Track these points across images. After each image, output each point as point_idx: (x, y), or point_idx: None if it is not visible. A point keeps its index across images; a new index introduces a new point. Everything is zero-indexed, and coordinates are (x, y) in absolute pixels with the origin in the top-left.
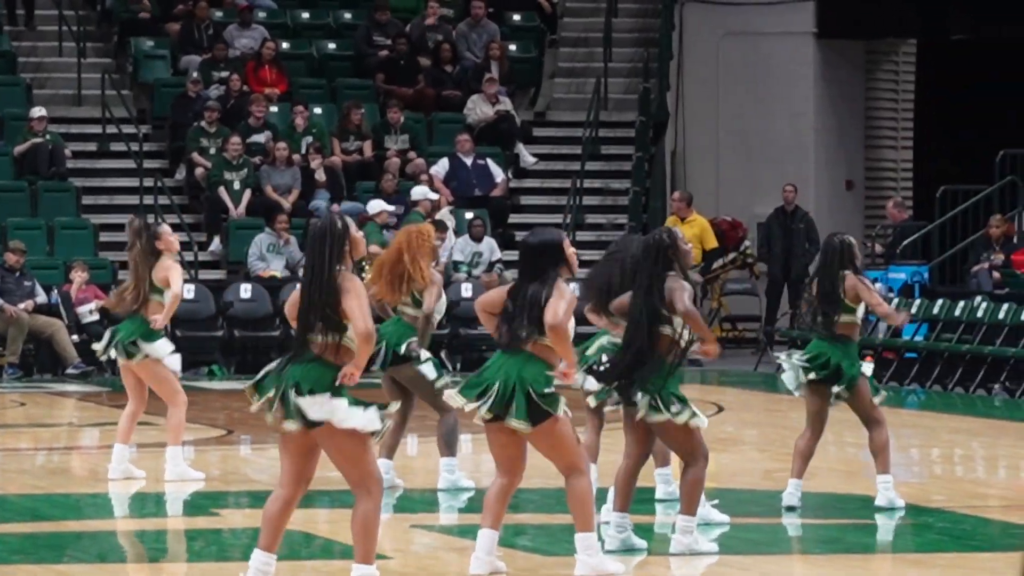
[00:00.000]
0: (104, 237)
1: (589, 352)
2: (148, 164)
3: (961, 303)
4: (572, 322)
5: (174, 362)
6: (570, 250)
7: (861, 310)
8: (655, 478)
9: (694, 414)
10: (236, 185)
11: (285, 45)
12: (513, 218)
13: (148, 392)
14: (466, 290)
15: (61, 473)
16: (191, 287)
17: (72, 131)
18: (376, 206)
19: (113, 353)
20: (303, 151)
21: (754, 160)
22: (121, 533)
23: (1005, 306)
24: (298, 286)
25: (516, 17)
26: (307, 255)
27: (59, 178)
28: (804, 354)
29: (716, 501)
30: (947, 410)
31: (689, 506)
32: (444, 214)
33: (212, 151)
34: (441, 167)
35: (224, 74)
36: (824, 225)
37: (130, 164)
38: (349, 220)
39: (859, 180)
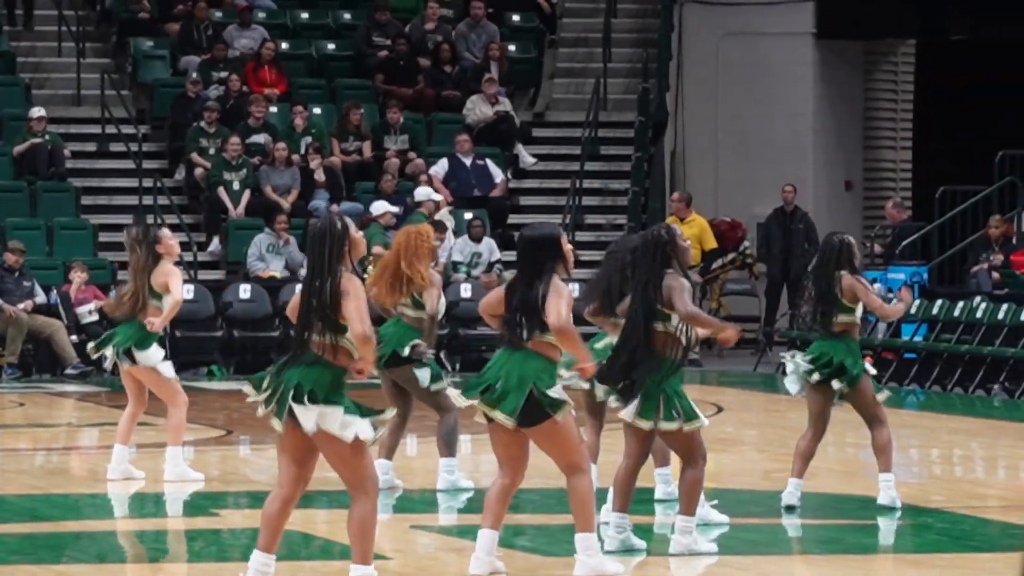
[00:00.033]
0: (103, 237)
1: (598, 347)
2: (147, 164)
3: (960, 303)
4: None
5: (166, 369)
6: (567, 247)
7: (860, 309)
8: (655, 478)
9: (690, 419)
10: (235, 185)
11: (284, 45)
12: (512, 218)
13: (148, 394)
14: (465, 290)
15: (60, 473)
16: (190, 287)
17: (71, 131)
18: (380, 207)
19: (109, 352)
20: (302, 151)
21: (753, 160)
22: (120, 533)
23: (1004, 306)
24: (298, 287)
25: (515, 17)
26: (308, 256)
27: (58, 178)
28: (807, 355)
29: (715, 501)
30: (946, 410)
31: (688, 506)
32: (443, 214)
33: (211, 151)
34: (440, 167)
35: (223, 74)
36: (823, 225)
37: (129, 164)
38: (349, 220)
39: (858, 180)
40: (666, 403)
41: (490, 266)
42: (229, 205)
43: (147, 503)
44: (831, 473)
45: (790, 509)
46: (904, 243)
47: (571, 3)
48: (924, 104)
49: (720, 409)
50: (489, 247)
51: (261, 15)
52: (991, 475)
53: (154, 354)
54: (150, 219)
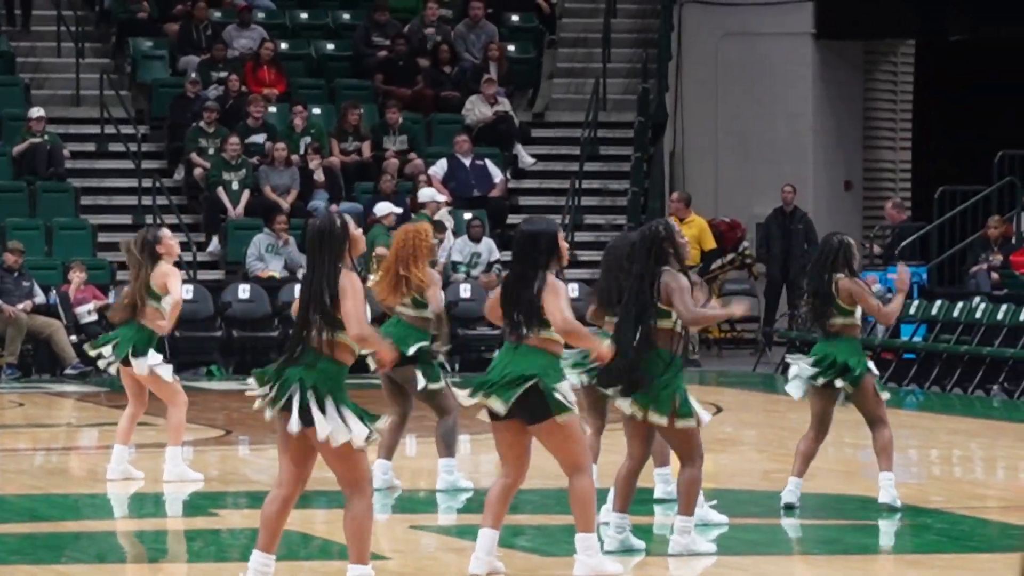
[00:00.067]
0: (102, 237)
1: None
2: (146, 164)
3: (960, 304)
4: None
5: (165, 373)
6: (563, 243)
7: (859, 311)
8: (654, 478)
9: (689, 415)
10: (235, 185)
11: (284, 45)
12: (512, 219)
13: (148, 394)
14: (465, 291)
15: (60, 473)
16: (189, 287)
17: (70, 131)
18: (384, 208)
19: (105, 351)
20: (302, 151)
21: (752, 161)
22: (120, 533)
23: (1003, 307)
24: (297, 287)
25: (515, 18)
26: (307, 253)
27: (57, 178)
28: (810, 358)
29: (714, 502)
30: (945, 411)
31: (687, 506)
32: (443, 214)
33: (211, 151)
34: (440, 168)
35: (223, 74)
36: (823, 226)
37: (129, 164)
38: (348, 218)
39: (858, 181)
40: (682, 401)
41: (489, 266)
42: (228, 205)
43: (146, 503)
44: (830, 473)
45: (789, 507)
46: (903, 243)
47: (570, 3)
48: (923, 104)
49: (719, 409)
50: (488, 247)
51: (260, 15)
52: (990, 476)
53: (150, 359)
54: (149, 219)
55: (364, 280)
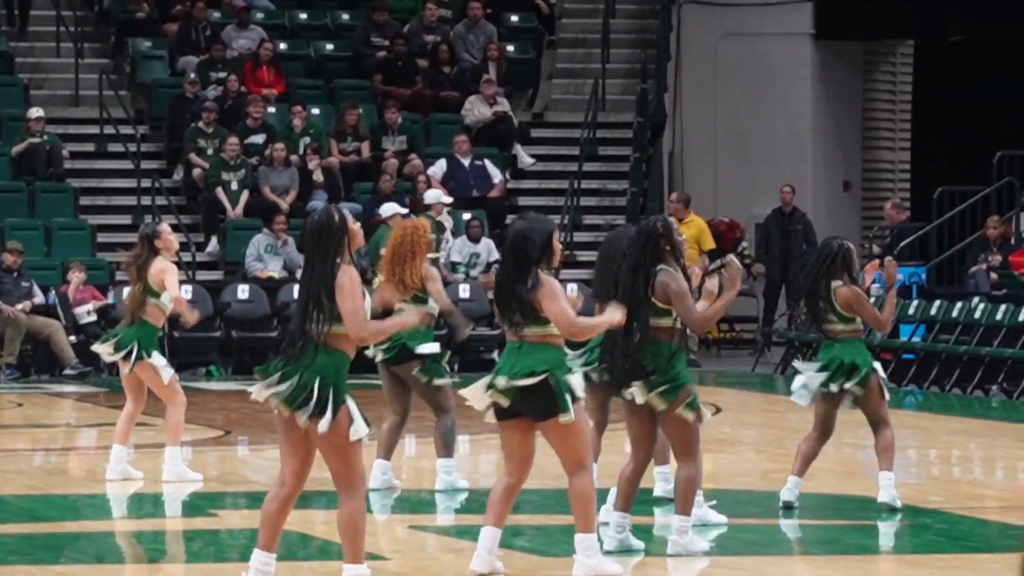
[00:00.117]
0: (102, 238)
1: None
2: (146, 165)
3: (959, 304)
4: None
5: (165, 373)
6: (556, 243)
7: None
8: (654, 476)
9: (695, 408)
10: (234, 186)
11: (283, 46)
12: (511, 219)
13: (147, 394)
14: (464, 291)
15: (59, 474)
16: (188, 288)
17: (70, 131)
18: (389, 209)
19: (101, 348)
20: (301, 152)
21: (752, 161)
22: (119, 534)
23: (1003, 307)
24: (296, 288)
25: (514, 18)
26: (305, 248)
27: (57, 179)
28: (816, 364)
29: (714, 502)
30: (945, 411)
31: (684, 506)
32: (442, 215)
33: (210, 152)
34: (439, 168)
35: (222, 75)
36: (822, 226)
37: (128, 165)
38: (347, 212)
39: (857, 181)
40: (694, 395)
41: (488, 266)
42: (227, 205)
43: (145, 503)
44: (830, 473)
45: (788, 506)
46: (903, 244)
47: (569, 4)
48: (923, 104)
49: (718, 410)
50: (487, 247)
51: (259, 15)
52: (989, 476)
53: (155, 360)
54: (148, 219)
55: (368, 281)
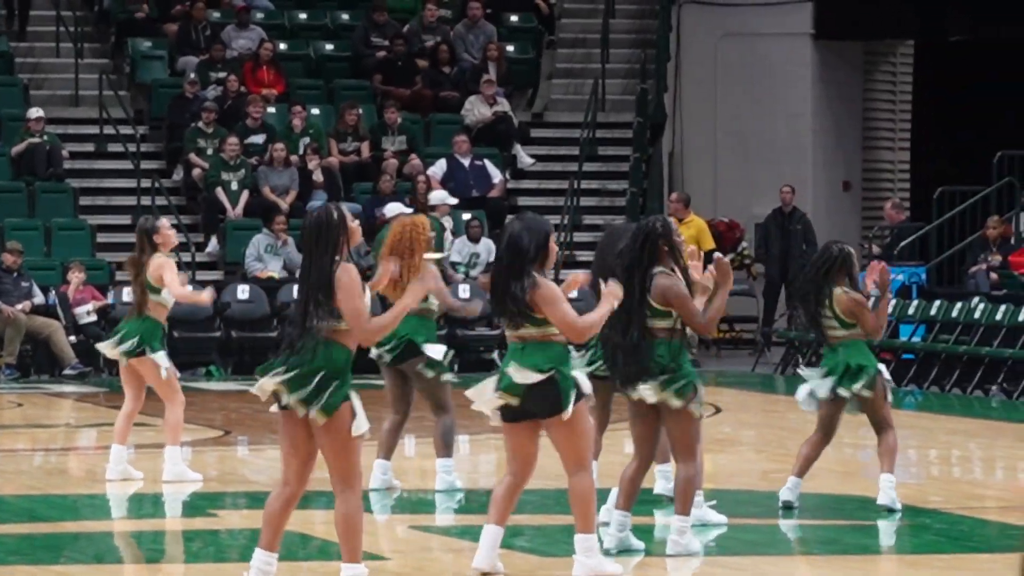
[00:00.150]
0: (101, 238)
1: None
2: (145, 165)
3: (959, 304)
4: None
5: (165, 371)
6: (553, 245)
7: None
8: (655, 474)
9: (700, 404)
10: (234, 186)
11: (283, 46)
12: (510, 219)
13: (145, 392)
14: (463, 291)
15: (58, 474)
16: (187, 288)
17: (69, 132)
18: (393, 209)
19: (104, 347)
20: (300, 152)
21: (752, 161)
22: (118, 534)
23: (1002, 307)
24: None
25: (514, 18)
26: (304, 245)
27: (56, 179)
28: (821, 369)
29: (714, 502)
30: (944, 411)
31: (684, 507)
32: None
33: (209, 152)
34: (439, 168)
35: (221, 75)
36: (822, 226)
37: (127, 165)
38: (345, 210)
39: (857, 181)
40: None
41: (488, 267)
42: (227, 205)
43: (145, 504)
44: (830, 473)
45: (787, 506)
46: (902, 244)
47: (569, 4)
48: (923, 104)
49: (718, 410)
50: (487, 248)
51: (259, 15)
52: (989, 476)
53: (160, 359)
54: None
55: (368, 278)
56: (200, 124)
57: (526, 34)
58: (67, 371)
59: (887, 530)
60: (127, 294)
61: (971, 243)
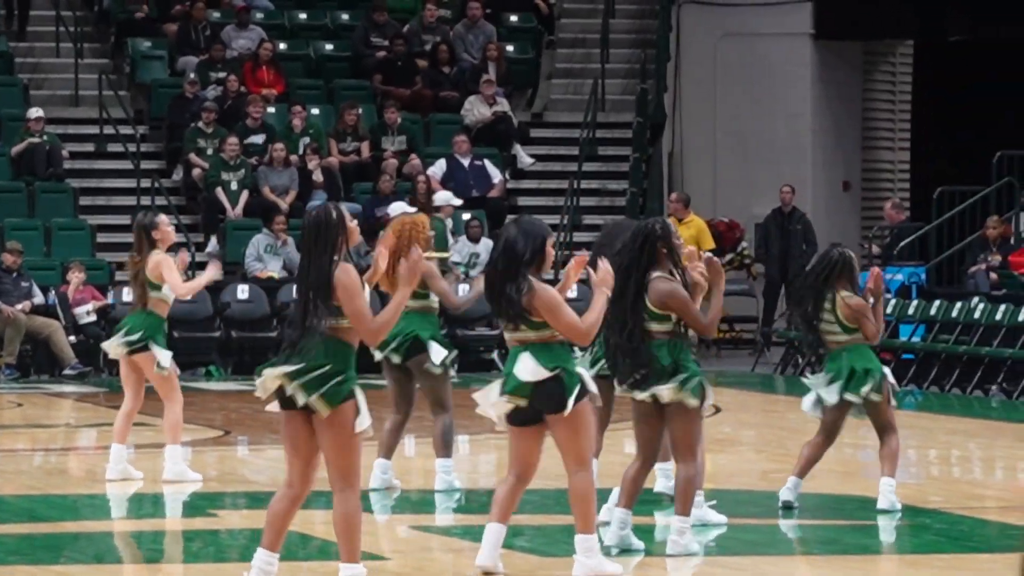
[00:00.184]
0: (101, 238)
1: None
2: (145, 165)
3: (958, 304)
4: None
5: (165, 364)
6: (550, 249)
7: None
8: (655, 472)
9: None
10: (233, 186)
11: (282, 46)
12: (511, 218)
13: (145, 391)
14: (463, 291)
15: (58, 474)
16: (190, 284)
17: (69, 132)
18: (397, 208)
19: (108, 345)
20: (300, 152)
21: (751, 161)
22: (118, 534)
23: (1002, 307)
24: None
25: (513, 18)
26: (303, 244)
27: (56, 179)
28: (827, 375)
29: (714, 502)
30: (944, 411)
31: (684, 507)
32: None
33: (209, 152)
34: (438, 168)
35: (221, 75)
36: (821, 226)
37: (127, 165)
38: (344, 210)
39: (856, 181)
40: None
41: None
42: (227, 205)
43: (145, 504)
44: (830, 473)
45: (787, 506)
46: (902, 244)
47: (569, 4)
48: (922, 104)
49: (718, 410)
50: (487, 248)
51: (259, 15)
52: (989, 476)
53: (164, 357)
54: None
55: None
56: (200, 124)
57: (526, 34)
58: (67, 371)
59: (887, 530)
60: (127, 294)
61: (971, 243)
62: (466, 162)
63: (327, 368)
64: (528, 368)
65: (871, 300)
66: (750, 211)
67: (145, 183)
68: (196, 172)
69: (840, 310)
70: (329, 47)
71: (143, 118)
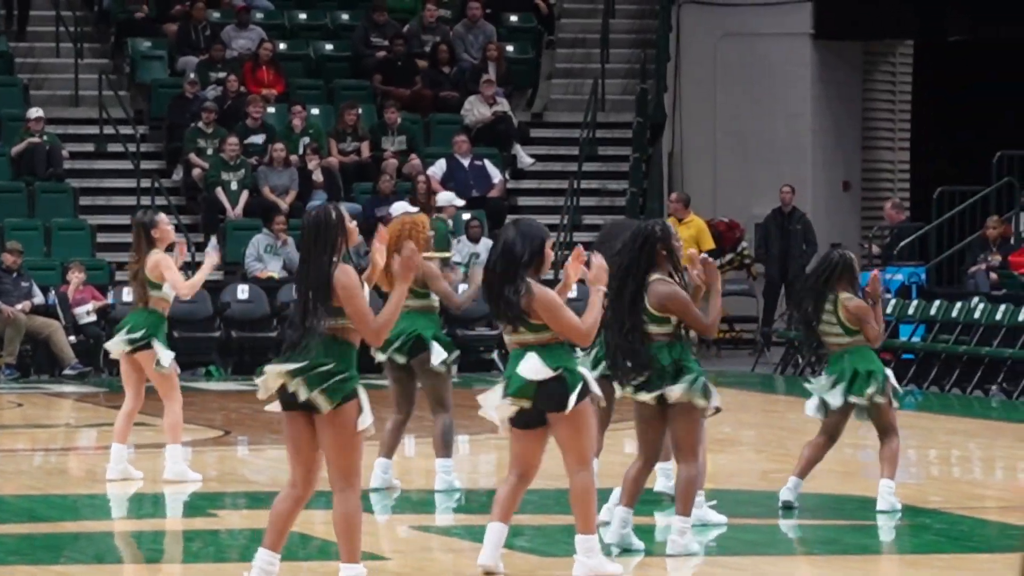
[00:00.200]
0: (101, 238)
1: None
2: (145, 165)
3: (958, 304)
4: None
5: (166, 362)
6: (548, 252)
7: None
8: (656, 472)
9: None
10: (233, 186)
11: (282, 46)
12: (510, 219)
13: (145, 391)
14: (463, 291)
15: (58, 474)
16: (191, 281)
17: (69, 132)
18: (399, 208)
19: (110, 345)
20: (300, 152)
21: (751, 161)
22: (118, 534)
23: (1002, 307)
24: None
25: (513, 18)
26: (302, 244)
27: (56, 179)
28: (830, 378)
29: (714, 502)
30: (944, 411)
31: (684, 507)
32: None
33: (209, 152)
34: (438, 168)
35: (221, 75)
36: (821, 226)
37: (127, 165)
38: (344, 210)
39: (856, 181)
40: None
41: None
42: (227, 205)
43: (145, 504)
44: (830, 474)
45: (787, 506)
46: (902, 244)
47: (569, 4)
48: (922, 104)
49: (718, 410)
50: (487, 248)
51: (259, 15)
52: (989, 476)
53: (165, 356)
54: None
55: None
56: (200, 124)
57: (526, 34)
58: (67, 371)
59: (887, 530)
60: (127, 294)
61: (971, 243)
62: (466, 162)
63: (330, 366)
64: (533, 367)
65: (870, 302)
66: (750, 211)
67: (145, 183)
68: (196, 172)
69: (842, 312)
70: (329, 47)
71: (143, 118)
